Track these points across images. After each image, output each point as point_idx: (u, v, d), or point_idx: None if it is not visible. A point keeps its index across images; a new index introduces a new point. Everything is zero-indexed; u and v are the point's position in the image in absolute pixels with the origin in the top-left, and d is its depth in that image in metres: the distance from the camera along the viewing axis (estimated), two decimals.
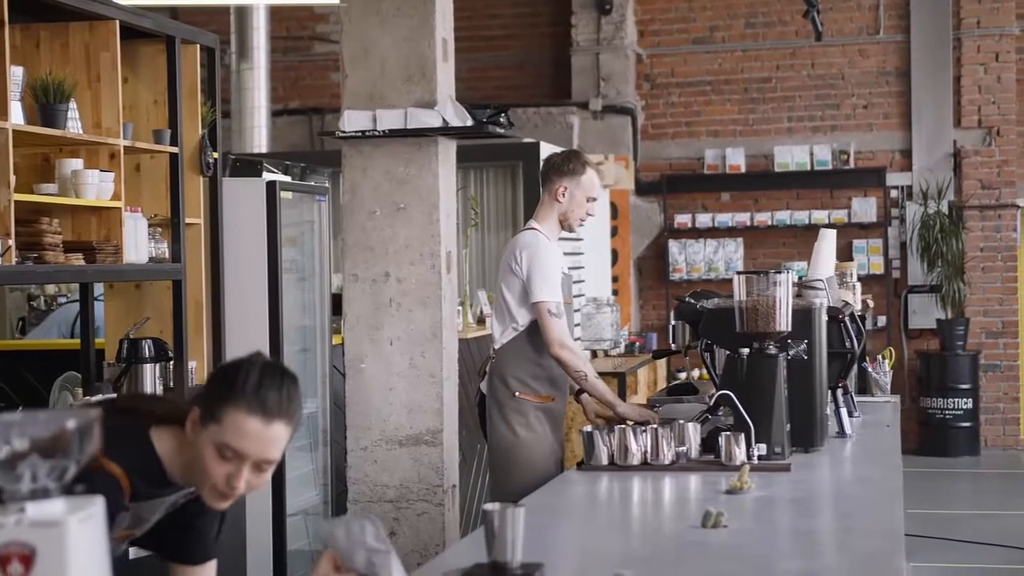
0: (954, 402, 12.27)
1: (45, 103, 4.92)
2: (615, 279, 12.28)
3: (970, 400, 12.30)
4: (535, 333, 5.22)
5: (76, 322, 7.46)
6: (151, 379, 5.52)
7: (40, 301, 9.34)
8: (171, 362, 5.72)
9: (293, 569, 6.64)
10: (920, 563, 8.10)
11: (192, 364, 5.89)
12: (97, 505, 1.83)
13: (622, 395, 8.92)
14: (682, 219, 13.00)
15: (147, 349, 5.56)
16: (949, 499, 10.66)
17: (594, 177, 5.42)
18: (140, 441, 2.75)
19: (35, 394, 6.22)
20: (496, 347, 5.40)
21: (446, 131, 5.47)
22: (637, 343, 10.95)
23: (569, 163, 5.42)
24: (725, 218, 12.92)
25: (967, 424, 12.31)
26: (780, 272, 4.44)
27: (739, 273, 4.47)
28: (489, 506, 2.73)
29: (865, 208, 12.70)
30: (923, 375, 12.48)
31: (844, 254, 12.31)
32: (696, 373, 10.74)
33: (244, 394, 2.62)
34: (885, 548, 3.05)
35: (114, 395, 5.24)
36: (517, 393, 5.29)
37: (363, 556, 2.43)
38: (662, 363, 10.72)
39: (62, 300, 8.95)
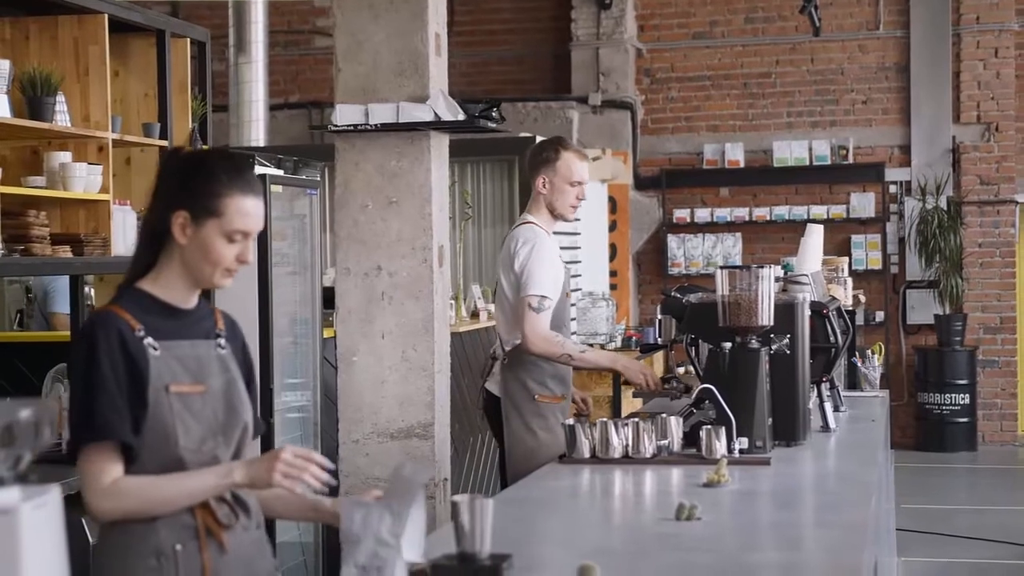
0: (952, 397, 12.27)
1: (32, 96, 4.95)
2: (614, 273, 12.30)
3: (968, 395, 12.30)
4: None
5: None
6: None
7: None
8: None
9: (282, 561, 6.65)
10: (914, 557, 8.12)
11: None
12: (52, 493, 1.86)
13: (616, 389, 8.90)
14: (681, 214, 13.01)
15: None
16: (945, 494, 10.68)
17: (572, 160, 5.34)
18: (133, 294, 3.02)
19: (30, 385, 6.24)
20: (507, 348, 5.35)
21: (438, 125, 5.47)
22: (635, 337, 10.92)
23: (543, 152, 5.37)
24: (724, 213, 12.92)
25: (965, 419, 12.32)
26: (763, 267, 4.44)
27: (722, 267, 4.48)
28: (457, 498, 2.75)
29: (864, 203, 12.69)
30: (921, 370, 12.48)
31: (842, 249, 12.32)
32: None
33: (234, 183, 2.92)
34: (852, 541, 3.06)
35: None
36: (537, 396, 5.26)
37: (371, 546, 2.44)
38: (660, 357, 10.71)
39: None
